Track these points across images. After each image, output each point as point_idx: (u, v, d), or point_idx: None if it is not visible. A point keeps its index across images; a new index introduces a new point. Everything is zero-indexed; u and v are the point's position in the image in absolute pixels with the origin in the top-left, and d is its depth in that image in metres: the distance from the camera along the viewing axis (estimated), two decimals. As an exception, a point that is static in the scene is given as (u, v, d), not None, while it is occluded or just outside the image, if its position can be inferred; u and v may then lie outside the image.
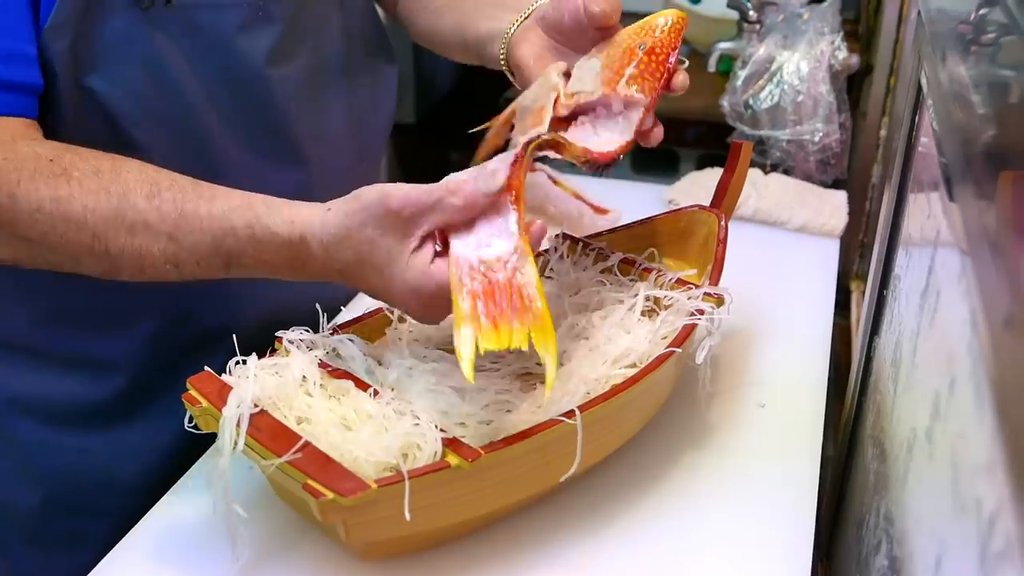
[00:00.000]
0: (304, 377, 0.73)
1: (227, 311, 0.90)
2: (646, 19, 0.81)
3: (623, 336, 0.81)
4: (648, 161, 1.51)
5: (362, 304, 0.90)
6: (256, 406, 0.69)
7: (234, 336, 0.76)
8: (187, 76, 0.80)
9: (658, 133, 0.80)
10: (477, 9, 0.91)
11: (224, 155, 0.84)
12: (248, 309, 0.91)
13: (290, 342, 0.76)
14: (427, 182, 0.70)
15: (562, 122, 0.80)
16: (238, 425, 0.67)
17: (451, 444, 0.67)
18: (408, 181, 0.70)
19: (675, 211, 0.97)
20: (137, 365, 0.88)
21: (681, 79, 0.80)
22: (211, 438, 0.70)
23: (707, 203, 0.95)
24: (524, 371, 0.79)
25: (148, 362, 0.88)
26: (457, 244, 0.68)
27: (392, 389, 0.74)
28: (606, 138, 0.78)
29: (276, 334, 0.76)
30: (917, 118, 0.83)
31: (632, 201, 1.15)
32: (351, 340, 0.78)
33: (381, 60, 1.00)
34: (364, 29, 0.97)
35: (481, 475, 0.68)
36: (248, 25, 0.82)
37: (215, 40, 0.80)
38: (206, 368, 0.72)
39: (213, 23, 0.79)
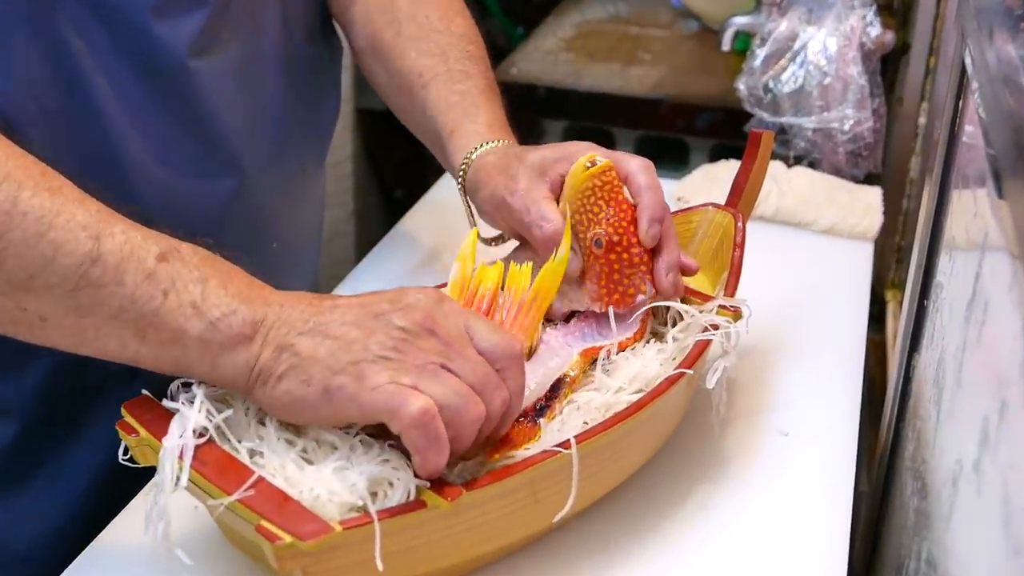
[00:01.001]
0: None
1: None
2: (568, 196, 0.83)
3: (629, 359, 0.81)
4: (653, 152, 1.51)
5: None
6: (202, 436, 0.69)
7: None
8: (92, 67, 0.77)
9: (680, 285, 0.85)
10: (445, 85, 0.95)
11: (136, 162, 0.80)
12: None
13: None
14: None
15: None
16: (181, 457, 0.67)
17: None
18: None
19: (684, 210, 0.97)
20: (30, 411, 0.85)
21: (651, 233, 0.82)
22: (146, 474, 0.70)
23: (721, 201, 0.96)
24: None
25: (43, 407, 0.85)
26: None
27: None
28: (612, 337, 0.82)
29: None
30: (961, 104, 0.84)
31: (635, 199, 1.15)
32: None
33: (325, 48, 0.99)
34: (306, 12, 0.96)
35: (462, 516, 0.68)
36: (168, 7, 0.79)
37: (127, 25, 0.77)
38: (143, 392, 0.72)
39: (125, 4, 0.77)
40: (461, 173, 0.92)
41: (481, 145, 0.92)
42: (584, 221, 0.83)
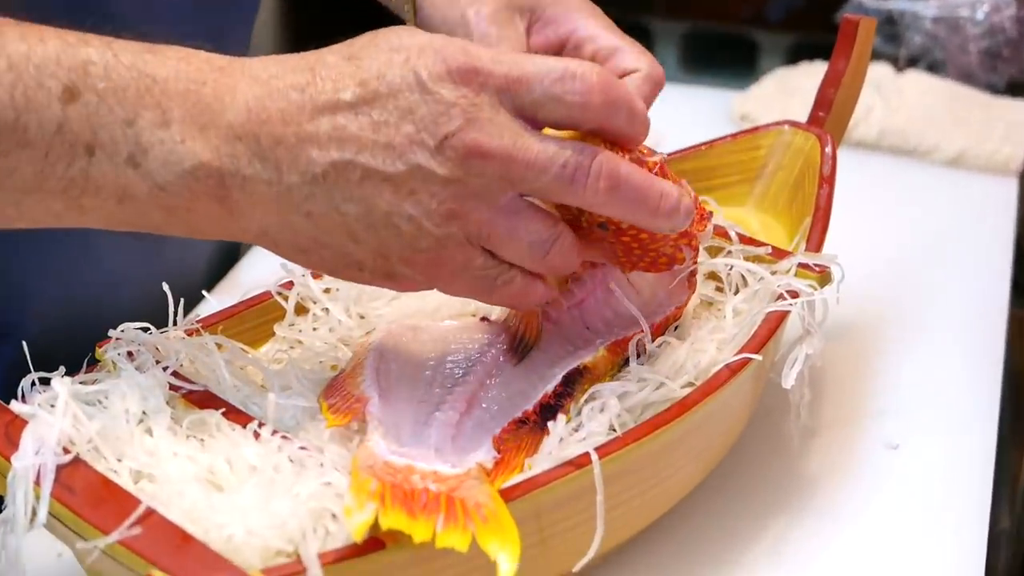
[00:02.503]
0: (144, 409, 0.74)
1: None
2: None
3: (675, 343, 0.82)
4: (708, 52, 1.50)
5: (238, 284, 0.89)
6: (66, 452, 0.69)
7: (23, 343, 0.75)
8: None
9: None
10: None
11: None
12: (34, 293, 0.91)
13: (122, 351, 0.77)
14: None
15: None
16: (37, 483, 0.67)
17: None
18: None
19: (750, 131, 0.97)
20: None
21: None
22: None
23: (802, 119, 0.96)
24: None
25: None
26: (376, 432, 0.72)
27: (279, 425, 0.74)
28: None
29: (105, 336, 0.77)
30: None
31: (682, 116, 1.15)
32: (220, 344, 0.79)
33: None
34: None
35: (436, 563, 0.68)
36: None
37: None
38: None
39: None
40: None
41: None
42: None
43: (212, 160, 0.67)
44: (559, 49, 0.93)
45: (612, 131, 0.72)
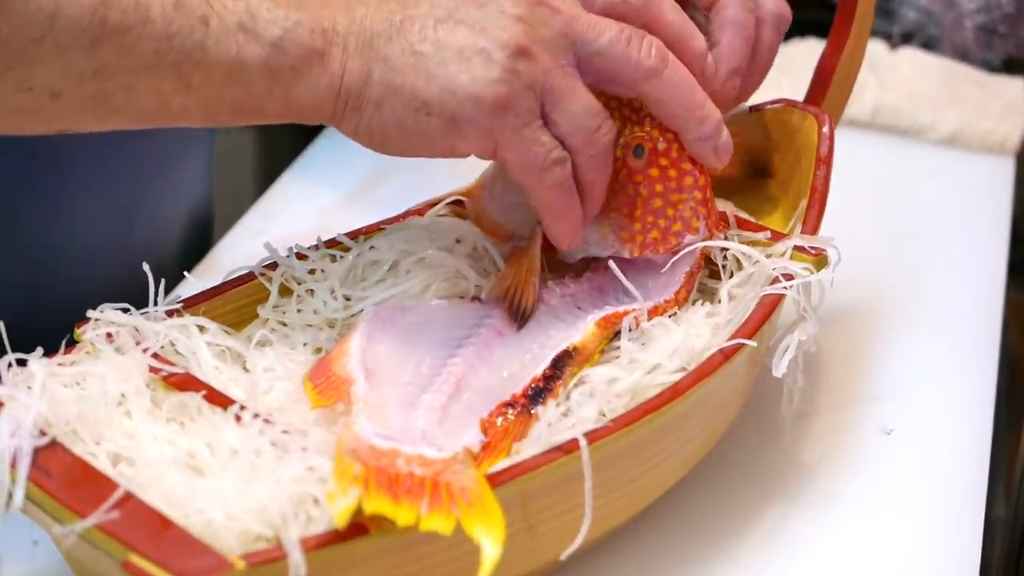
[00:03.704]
0: (123, 391, 0.73)
1: None
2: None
3: (668, 326, 0.81)
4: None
5: (218, 265, 0.89)
6: (43, 434, 0.69)
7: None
8: None
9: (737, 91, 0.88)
10: None
11: None
12: (5, 273, 0.91)
13: (101, 332, 0.76)
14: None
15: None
16: (13, 466, 0.67)
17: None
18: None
19: (747, 110, 0.96)
20: None
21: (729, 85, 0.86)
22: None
23: (792, 97, 0.95)
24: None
25: None
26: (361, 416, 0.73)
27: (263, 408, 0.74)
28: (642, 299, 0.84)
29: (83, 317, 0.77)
30: None
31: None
32: (201, 326, 0.79)
33: None
34: None
35: (419, 549, 0.68)
36: None
37: None
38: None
39: None
40: None
41: None
42: (618, 120, 0.83)
43: (312, 18, 0.74)
44: None
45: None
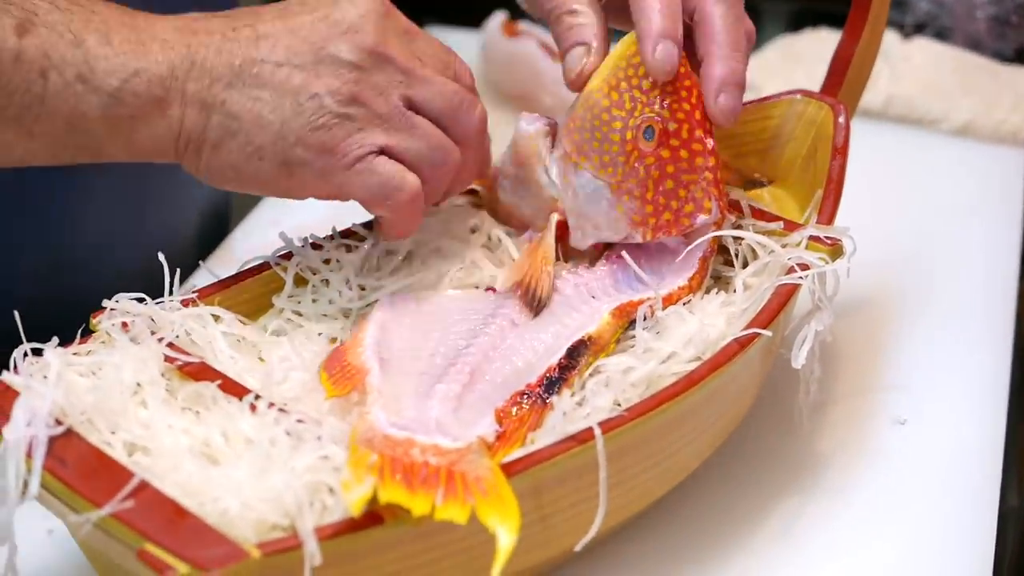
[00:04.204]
0: (139, 380, 0.73)
1: None
2: (609, 66, 0.84)
3: (684, 315, 0.81)
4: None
5: (233, 255, 0.89)
6: (59, 424, 0.69)
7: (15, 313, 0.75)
8: None
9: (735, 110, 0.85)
10: None
11: None
12: (21, 262, 0.91)
13: (116, 321, 0.76)
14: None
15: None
16: (29, 455, 0.67)
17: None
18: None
19: (761, 101, 0.96)
20: None
21: (721, 105, 0.84)
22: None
23: (807, 87, 0.95)
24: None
25: None
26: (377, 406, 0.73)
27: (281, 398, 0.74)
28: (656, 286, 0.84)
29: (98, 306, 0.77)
30: None
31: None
32: (217, 316, 0.79)
33: None
34: None
35: (435, 539, 0.68)
36: None
37: None
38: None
39: None
40: None
41: None
42: (628, 102, 0.83)
43: (151, 66, 0.74)
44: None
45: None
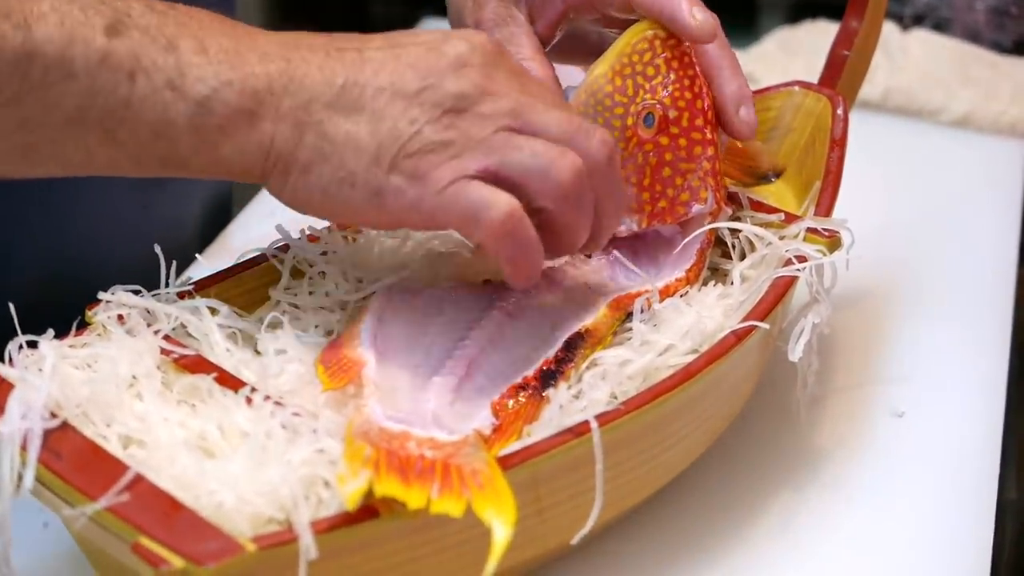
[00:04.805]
0: (134, 373, 0.73)
1: None
2: (614, 53, 0.84)
3: (681, 308, 0.81)
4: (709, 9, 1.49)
5: (229, 247, 0.88)
6: (54, 417, 0.69)
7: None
8: None
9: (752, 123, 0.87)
10: None
11: None
12: (19, 253, 0.91)
13: (112, 314, 0.76)
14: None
15: None
16: (24, 448, 0.67)
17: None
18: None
19: (760, 92, 0.96)
20: None
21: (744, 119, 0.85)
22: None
23: (805, 79, 0.96)
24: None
25: None
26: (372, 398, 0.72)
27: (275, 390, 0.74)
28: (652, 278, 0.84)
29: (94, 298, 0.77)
30: None
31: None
32: (213, 308, 0.79)
33: None
34: None
35: (431, 532, 0.68)
36: None
37: None
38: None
39: None
40: None
41: None
42: (629, 89, 0.83)
43: (246, 77, 0.71)
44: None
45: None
